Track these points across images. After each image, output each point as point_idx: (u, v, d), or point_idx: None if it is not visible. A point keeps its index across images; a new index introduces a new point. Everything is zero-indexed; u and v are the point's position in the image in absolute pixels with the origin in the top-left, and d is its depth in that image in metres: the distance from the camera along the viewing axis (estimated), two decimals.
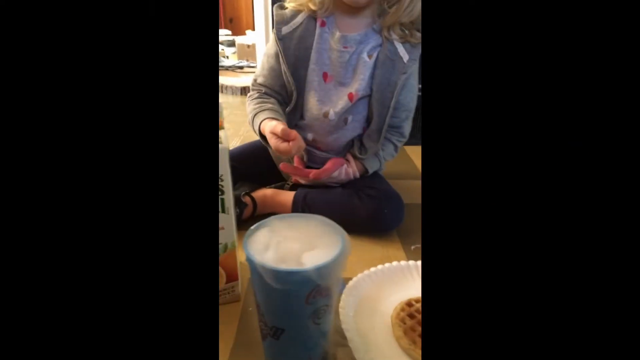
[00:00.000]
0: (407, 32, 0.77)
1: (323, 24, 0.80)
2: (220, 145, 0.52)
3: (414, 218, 0.88)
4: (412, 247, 0.76)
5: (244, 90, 2.02)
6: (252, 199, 0.84)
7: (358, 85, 0.79)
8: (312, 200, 0.82)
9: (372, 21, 0.79)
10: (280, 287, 0.38)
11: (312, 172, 0.81)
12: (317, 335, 0.44)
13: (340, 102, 0.81)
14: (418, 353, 0.49)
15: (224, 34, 3.12)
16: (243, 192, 0.84)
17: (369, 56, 0.78)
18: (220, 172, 0.53)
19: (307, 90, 0.82)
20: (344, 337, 0.51)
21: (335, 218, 0.83)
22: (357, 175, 0.86)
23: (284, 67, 0.80)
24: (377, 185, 0.83)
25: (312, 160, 0.89)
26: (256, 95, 0.85)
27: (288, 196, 0.84)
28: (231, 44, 2.86)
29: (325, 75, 0.81)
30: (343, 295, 0.58)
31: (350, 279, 0.62)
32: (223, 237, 0.57)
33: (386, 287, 0.62)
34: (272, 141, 0.73)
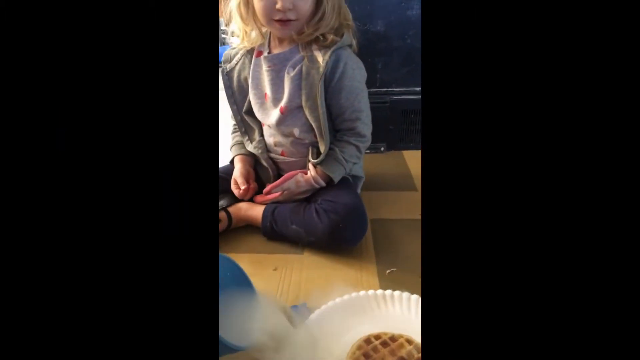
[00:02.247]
0: (322, 38, 0.82)
1: (259, 54, 0.89)
2: None
3: (396, 236, 0.86)
4: (387, 272, 0.74)
5: None
6: (228, 213, 0.89)
7: (287, 98, 0.85)
8: (279, 215, 0.84)
9: (296, 38, 0.84)
10: None
11: (264, 191, 0.87)
12: None
13: (274, 116, 0.88)
14: None
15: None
16: (220, 207, 0.88)
17: (292, 70, 0.84)
18: None
19: (255, 112, 0.91)
20: None
21: (296, 232, 0.86)
22: (321, 182, 0.86)
23: (228, 100, 0.92)
24: (337, 197, 0.81)
25: (280, 168, 0.94)
26: (232, 128, 1.00)
27: (259, 210, 0.87)
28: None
29: (265, 96, 0.89)
30: (302, 330, 0.58)
31: (314, 308, 0.62)
32: None
33: (350, 319, 0.61)
34: (232, 186, 0.89)
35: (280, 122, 0.87)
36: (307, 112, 0.84)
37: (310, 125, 0.86)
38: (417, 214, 0.95)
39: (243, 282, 0.51)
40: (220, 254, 0.50)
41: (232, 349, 0.41)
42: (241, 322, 0.47)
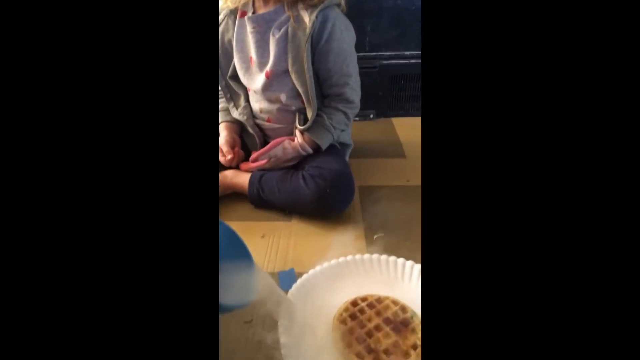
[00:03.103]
0: None
1: (243, 15, 0.83)
2: None
3: (384, 202, 0.86)
4: (375, 237, 0.75)
5: None
6: None
7: (272, 62, 0.81)
8: (266, 182, 0.83)
9: None
10: None
11: (251, 158, 0.85)
12: None
13: (259, 81, 0.84)
14: (352, 358, 0.49)
15: None
16: None
17: (278, 31, 0.79)
18: None
19: (241, 77, 0.88)
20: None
21: (283, 199, 0.85)
22: (308, 149, 0.84)
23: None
24: (324, 164, 0.80)
25: (267, 135, 0.92)
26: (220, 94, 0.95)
27: (246, 177, 0.85)
28: None
29: (250, 60, 0.85)
30: (289, 294, 0.58)
31: (302, 273, 0.62)
32: None
33: (337, 283, 0.62)
34: (219, 154, 0.86)
35: (266, 88, 0.84)
36: (293, 76, 0.81)
37: (297, 91, 0.83)
38: (405, 180, 0.95)
39: (236, 244, 0.50)
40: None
41: (226, 308, 0.41)
42: (236, 282, 0.47)
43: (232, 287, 0.45)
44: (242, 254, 0.50)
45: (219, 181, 0.86)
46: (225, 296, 0.41)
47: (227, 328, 0.55)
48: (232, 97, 0.92)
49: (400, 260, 0.65)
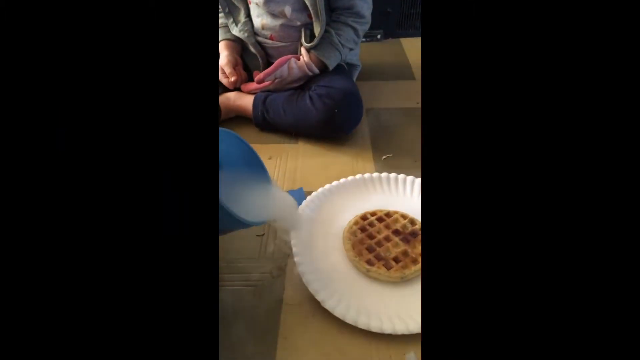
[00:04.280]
0: None
1: None
2: None
3: (393, 124, 0.84)
4: (383, 157, 0.74)
5: None
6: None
7: None
8: (270, 103, 0.80)
9: None
10: None
11: (256, 79, 0.80)
12: None
13: None
14: (362, 265, 0.51)
15: None
16: None
17: None
18: None
19: None
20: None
21: (290, 120, 0.82)
22: (315, 69, 0.80)
23: None
24: (332, 83, 0.76)
25: (269, 55, 0.87)
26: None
27: (249, 99, 0.82)
28: None
29: None
30: (300, 210, 0.59)
31: (311, 192, 0.63)
32: None
33: (346, 200, 0.62)
34: (220, 75, 0.83)
35: (268, 0, 0.78)
36: None
37: (304, 3, 0.76)
38: (415, 102, 0.91)
39: (255, 163, 0.50)
40: (234, 133, 0.48)
41: (245, 224, 0.42)
42: (256, 200, 0.47)
43: (251, 205, 0.45)
44: (261, 172, 0.49)
45: (220, 105, 0.83)
46: (245, 213, 0.41)
47: (241, 240, 0.57)
48: (231, 12, 0.85)
49: (410, 177, 0.65)
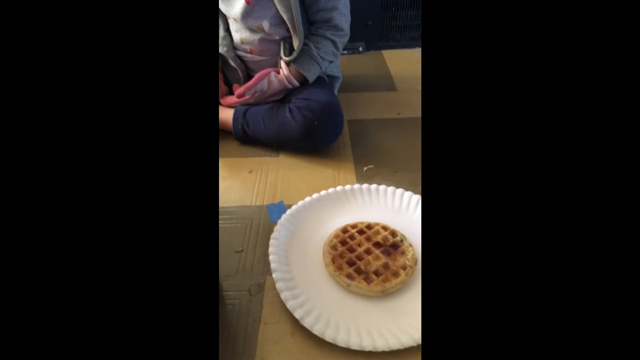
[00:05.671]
0: None
1: None
2: None
3: (374, 135, 0.84)
4: (365, 169, 0.74)
5: None
6: None
7: None
8: (250, 116, 0.79)
9: None
10: None
11: (236, 93, 0.79)
12: None
13: (238, 6, 0.78)
14: (342, 279, 0.49)
15: None
16: None
17: None
18: None
19: (220, 2, 0.81)
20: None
21: (270, 134, 0.81)
22: (295, 82, 0.80)
23: None
24: (311, 95, 0.76)
25: (249, 68, 0.87)
26: None
27: (229, 113, 0.81)
28: None
29: None
30: (279, 224, 0.58)
31: (292, 205, 0.61)
32: None
33: (328, 213, 0.61)
34: None
35: (246, 14, 0.78)
36: (276, 1, 0.74)
37: (281, 17, 0.76)
38: (396, 113, 0.92)
39: None
40: None
41: None
42: None
43: None
44: None
45: None
46: None
47: (220, 257, 0.55)
48: None
49: (391, 188, 0.64)
